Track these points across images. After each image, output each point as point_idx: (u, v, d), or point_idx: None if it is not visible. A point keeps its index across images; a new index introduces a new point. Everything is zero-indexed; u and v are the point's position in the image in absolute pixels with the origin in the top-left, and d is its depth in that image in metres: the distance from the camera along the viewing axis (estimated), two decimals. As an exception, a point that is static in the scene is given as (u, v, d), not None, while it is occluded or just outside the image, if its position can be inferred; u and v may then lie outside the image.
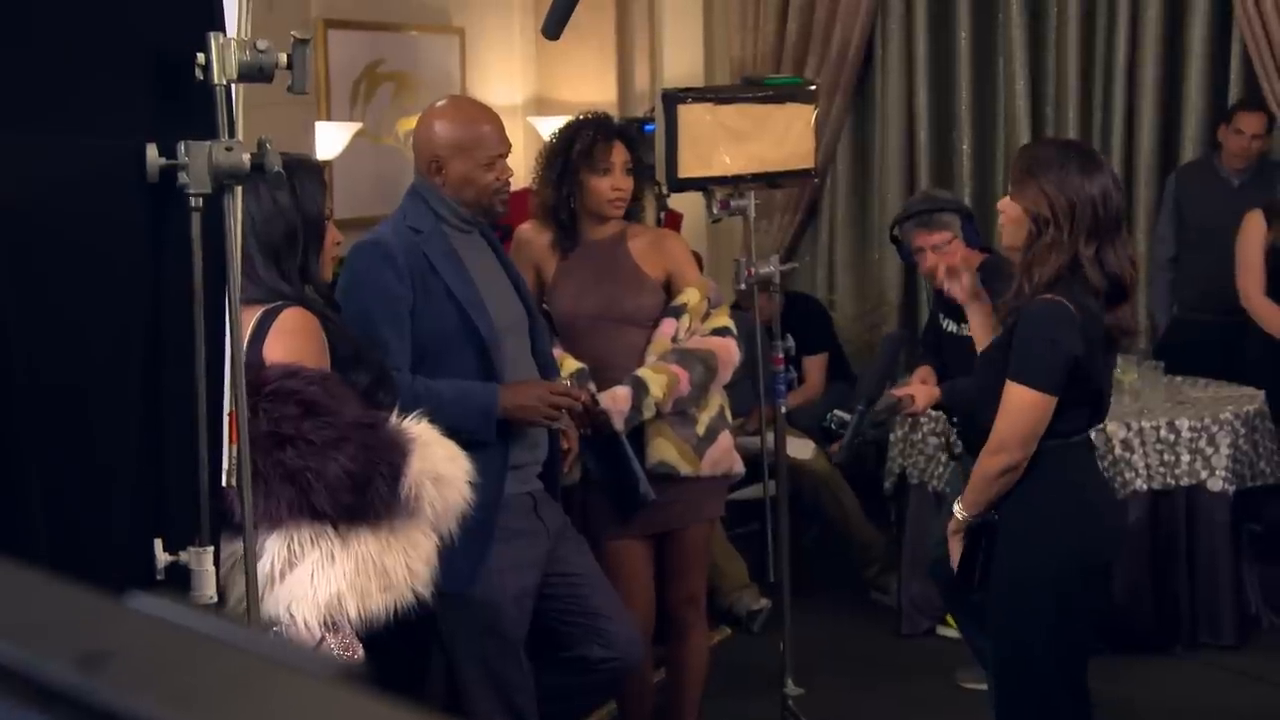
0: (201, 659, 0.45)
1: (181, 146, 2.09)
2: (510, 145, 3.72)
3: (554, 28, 3.76)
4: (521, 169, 4.89)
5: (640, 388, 3.92)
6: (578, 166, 4.05)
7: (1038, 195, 3.32)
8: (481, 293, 3.60)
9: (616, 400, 3.89)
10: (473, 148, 3.61)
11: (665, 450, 4.02)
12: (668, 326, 4.07)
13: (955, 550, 3.50)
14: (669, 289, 4.13)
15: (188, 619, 0.47)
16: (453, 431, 2.90)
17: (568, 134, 4.11)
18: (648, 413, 3.95)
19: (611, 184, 4.05)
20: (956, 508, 3.47)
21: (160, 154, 2.08)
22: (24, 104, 1.92)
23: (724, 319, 4.16)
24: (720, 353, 4.07)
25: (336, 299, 3.33)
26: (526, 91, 7.80)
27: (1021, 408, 3.30)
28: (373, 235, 3.66)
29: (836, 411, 4.39)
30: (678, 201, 6.27)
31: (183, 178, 2.09)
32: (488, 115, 3.71)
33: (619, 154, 4.06)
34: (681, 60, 7.51)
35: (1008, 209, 3.40)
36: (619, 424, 3.88)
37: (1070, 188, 3.29)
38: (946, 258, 4.44)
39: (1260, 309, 5.97)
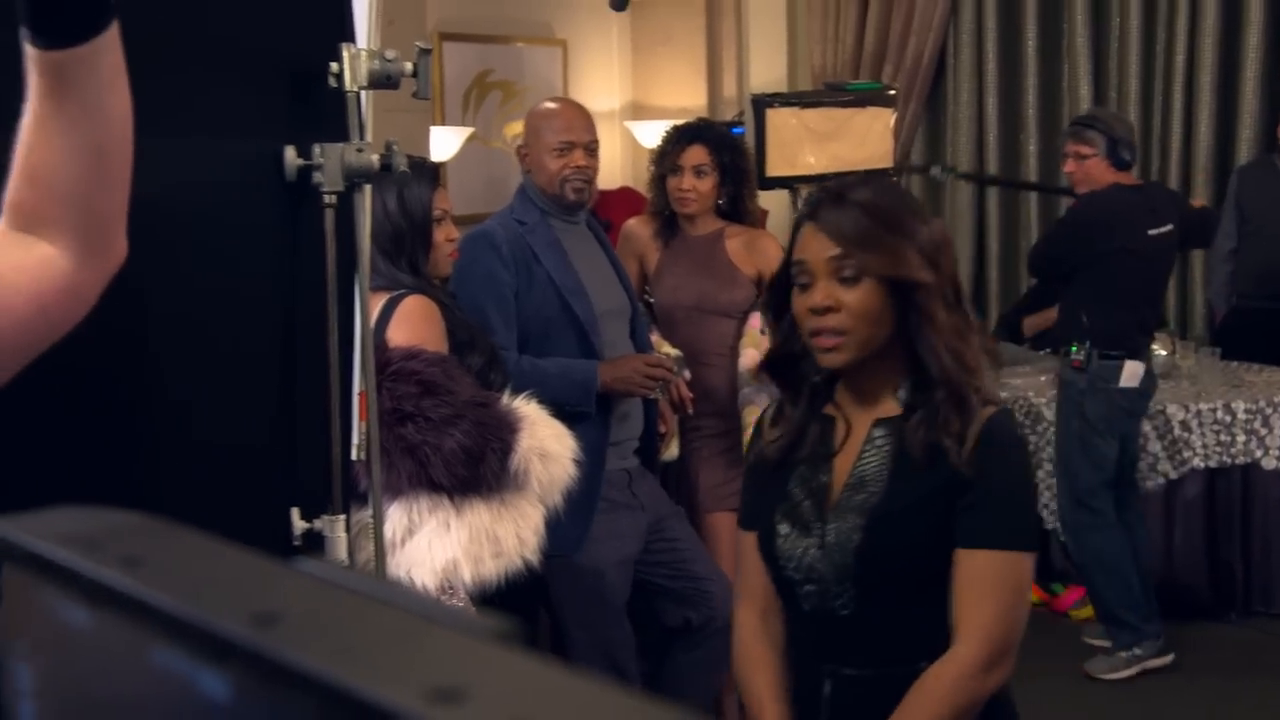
0: (366, 617, 0.45)
1: (316, 148, 2.10)
2: (588, 138, 3.65)
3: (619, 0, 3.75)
4: (619, 169, 4.88)
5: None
6: (660, 169, 4.08)
7: None
8: (583, 280, 3.61)
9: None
10: (543, 133, 3.62)
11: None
12: (757, 319, 4.08)
13: None
14: (760, 285, 4.13)
15: (351, 581, 0.47)
16: (556, 405, 2.91)
17: (662, 140, 4.14)
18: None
19: (677, 184, 4.06)
20: None
21: (297, 155, 2.09)
22: (171, 111, 1.94)
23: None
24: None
25: (452, 289, 3.34)
26: (624, 98, 7.80)
27: None
28: (481, 227, 3.68)
29: None
30: (765, 199, 6.25)
31: (317, 177, 2.11)
32: (566, 106, 3.71)
33: (690, 156, 4.06)
34: (766, 68, 7.47)
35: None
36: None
37: None
38: (1084, 167, 4.65)
39: None
